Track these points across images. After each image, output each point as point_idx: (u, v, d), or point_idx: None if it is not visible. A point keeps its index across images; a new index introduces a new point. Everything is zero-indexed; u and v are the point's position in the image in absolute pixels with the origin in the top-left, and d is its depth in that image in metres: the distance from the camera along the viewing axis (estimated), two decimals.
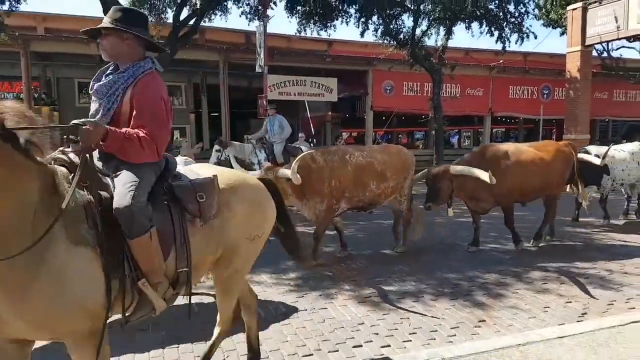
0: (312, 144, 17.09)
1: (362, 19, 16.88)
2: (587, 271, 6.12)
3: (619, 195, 10.46)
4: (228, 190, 2.98)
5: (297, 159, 6.20)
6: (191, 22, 14.55)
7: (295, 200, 6.34)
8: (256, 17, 16.10)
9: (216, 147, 10.93)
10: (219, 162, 9.89)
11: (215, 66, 18.21)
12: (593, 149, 8.96)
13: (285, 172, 5.98)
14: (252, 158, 10.52)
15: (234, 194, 3.01)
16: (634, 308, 4.83)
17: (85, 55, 16.92)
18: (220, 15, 15.92)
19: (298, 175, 5.83)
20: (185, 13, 14.70)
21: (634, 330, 3.98)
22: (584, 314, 4.70)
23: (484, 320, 4.54)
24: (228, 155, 10.34)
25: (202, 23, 15.32)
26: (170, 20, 14.76)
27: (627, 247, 7.41)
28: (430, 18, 17.45)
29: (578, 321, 4.44)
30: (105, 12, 12.75)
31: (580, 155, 8.17)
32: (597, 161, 8.15)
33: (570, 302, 5.03)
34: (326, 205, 6.35)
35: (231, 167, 10.89)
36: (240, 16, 16.60)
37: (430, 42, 18.70)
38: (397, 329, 4.34)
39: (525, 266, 6.37)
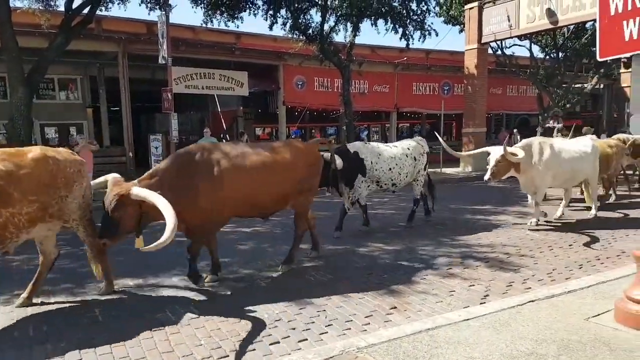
0: (224, 140, 16.73)
1: (270, 12, 16.75)
2: (487, 255, 6.53)
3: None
4: None
5: None
6: (85, 10, 13.55)
7: None
8: (157, 6, 15.34)
9: None
10: None
11: (114, 57, 17.10)
12: (358, 145, 8.07)
13: None
14: None
15: None
16: (530, 288, 5.22)
17: None
18: (118, 4, 14.98)
19: None
20: (78, 0, 13.66)
21: (532, 309, 4.29)
22: (487, 295, 5.01)
23: (396, 307, 4.69)
24: None
25: (98, 12, 14.32)
26: (62, 8, 13.65)
27: (521, 232, 8.00)
28: (338, 14, 17.70)
29: (481, 303, 4.71)
30: None
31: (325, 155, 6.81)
32: (338, 162, 6.92)
33: (474, 285, 5.34)
34: None
35: None
36: (140, 5, 15.74)
37: (338, 38, 19.07)
38: (313, 322, 4.37)
39: (431, 252, 6.69)
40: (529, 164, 7.96)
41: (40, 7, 14.04)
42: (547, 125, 14.73)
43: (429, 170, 8.86)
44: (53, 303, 4.93)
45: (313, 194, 6.30)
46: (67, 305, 4.90)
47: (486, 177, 7.93)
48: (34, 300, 4.91)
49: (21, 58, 12.21)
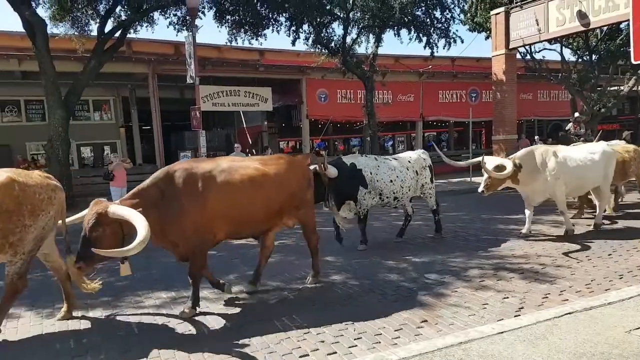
0: (249, 156, 16.98)
1: (293, 28, 16.91)
2: (521, 266, 6.34)
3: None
4: None
5: None
6: (117, 34, 14.11)
7: None
8: (184, 28, 15.79)
9: None
10: None
11: (144, 78, 17.69)
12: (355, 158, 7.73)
13: None
14: None
15: None
16: (567, 300, 5.02)
17: (5, 72, 16.03)
18: (146, 27, 15.56)
19: None
20: (109, 25, 14.25)
21: (569, 322, 4.12)
22: (521, 308, 4.84)
23: (426, 321, 4.58)
24: None
25: (128, 35, 14.87)
26: (95, 33, 14.25)
27: (557, 242, 7.71)
28: (360, 26, 17.75)
29: (516, 316, 4.56)
30: (25, 26, 12.30)
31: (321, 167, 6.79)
32: (332, 171, 6.95)
33: (508, 297, 5.17)
34: None
35: None
36: (167, 27, 16.33)
37: (361, 49, 19.03)
38: (342, 335, 4.31)
39: (463, 264, 6.53)
40: (532, 174, 7.62)
41: (75, 33, 14.71)
42: (567, 128, 14.33)
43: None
44: (92, 317, 5.05)
45: (312, 207, 6.04)
46: (105, 318, 5.02)
47: (480, 189, 7.63)
48: (74, 314, 5.05)
49: (58, 82, 12.73)
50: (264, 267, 5.88)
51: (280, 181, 5.42)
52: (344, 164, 7.37)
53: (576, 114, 15.20)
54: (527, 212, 8.10)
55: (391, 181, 7.58)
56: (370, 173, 7.44)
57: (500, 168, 7.58)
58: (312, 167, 6.44)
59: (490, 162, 7.66)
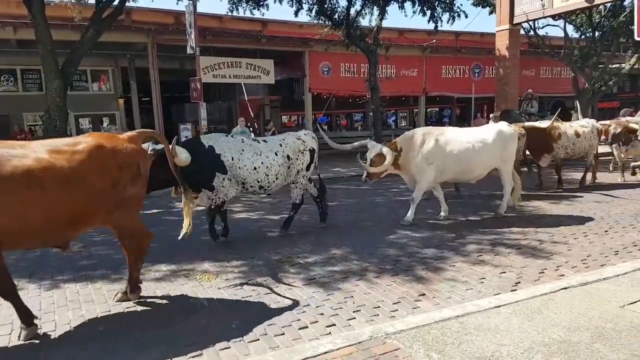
0: (251, 129, 16.89)
1: None
2: (519, 242, 6.41)
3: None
4: None
5: None
6: (115, 2, 13.83)
7: None
8: None
9: None
10: None
11: (143, 48, 17.49)
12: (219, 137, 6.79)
13: None
14: None
15: None
16: (563, 275, 5.11)
17: (1, 40, 15.87)
18: None
19: None
20: None
21: (564, 297, 4.21)
22: (518, 282, 4.93)
23: (424, 294, 4.66)
24: None
25: (127, 3, 14.59)
26: (92, 1, 13.96)
27: (554, 218, 7.81)
28: None
29: (512, 290, 4.64)
30: None
31: (159, 148, 5.54)
32: (182, 156, 5.76)
33: (505, 272, 5.25)
34: None
35: None
36: None
37: (365, 22, 18.87)
38: (341, 307, 4.38)
39: (461, 239, 6.60)
40: (409, 158, 7.32)
41: (72, 1, 14.40)
42: (522, 109, 14.29)
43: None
44: (91, 289, 5.07)
45: (133, 208, 4.54)
46: (105, 289, 5.04)
47: (363, 177, 7.33)
48: (71, 286, 5.11)
49: (55, 51, 12.53)
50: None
51: (74, 178, 3.93)
52: (201, 146, 6.50)
53: (529, 90, 15.03)
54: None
55: (255, 169, 6.68)
56: (232, 158, 6.54)
57: (380, 157, 7.20)
58: (158, 147, 5.33)
59: (374, 149, 7.21)
